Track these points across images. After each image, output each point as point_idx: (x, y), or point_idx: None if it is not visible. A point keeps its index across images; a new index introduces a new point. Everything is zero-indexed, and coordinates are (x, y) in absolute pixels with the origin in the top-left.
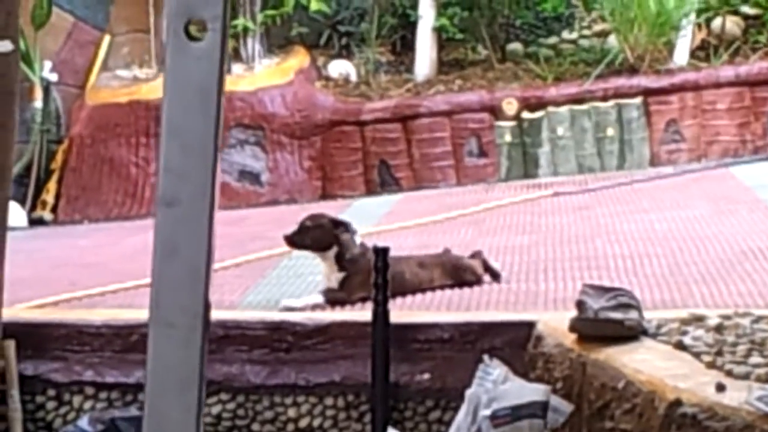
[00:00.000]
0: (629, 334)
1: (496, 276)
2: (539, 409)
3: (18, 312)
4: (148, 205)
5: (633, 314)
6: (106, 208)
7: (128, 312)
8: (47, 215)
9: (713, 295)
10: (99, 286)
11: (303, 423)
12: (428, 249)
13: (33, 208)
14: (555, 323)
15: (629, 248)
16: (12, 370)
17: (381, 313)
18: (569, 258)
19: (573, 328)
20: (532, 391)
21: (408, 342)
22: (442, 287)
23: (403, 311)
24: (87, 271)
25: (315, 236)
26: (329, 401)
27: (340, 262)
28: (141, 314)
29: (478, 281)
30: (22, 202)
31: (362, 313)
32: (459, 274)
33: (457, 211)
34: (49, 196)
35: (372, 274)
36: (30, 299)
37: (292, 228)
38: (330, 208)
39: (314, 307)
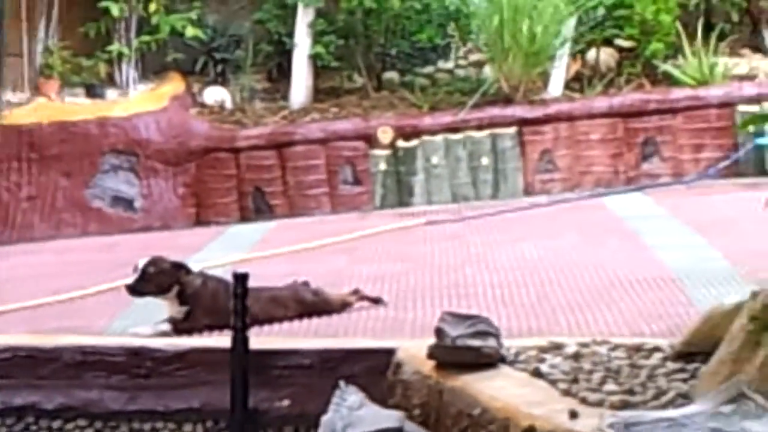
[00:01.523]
0: (487, 361)
1: (377, 302)
2: None
3: None
4: (18, 231)
5: (491, 342)
6: None
7: None
8: None
9: (579, 323)
10: None
11: None
12: (299, 276)
13: None
14: (415, 350)
15: (499, 276)
16: None
17: (240, 339)
18: (439, 286)
19: (431, 355)
20: (387, 418)
21: (268, 368)
22: (295, 318)
23: (262, 337)
24: None
25: (158, 282)
26: (188, 427)
27: (181, 298)
28: None
29: (339, 311)
30: None
31: (222, 339)
32: (317, 308)
33: (329, 238)
34: None
35: (215, 301)
36: None
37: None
38: (203, 235)
39: (162, 335)
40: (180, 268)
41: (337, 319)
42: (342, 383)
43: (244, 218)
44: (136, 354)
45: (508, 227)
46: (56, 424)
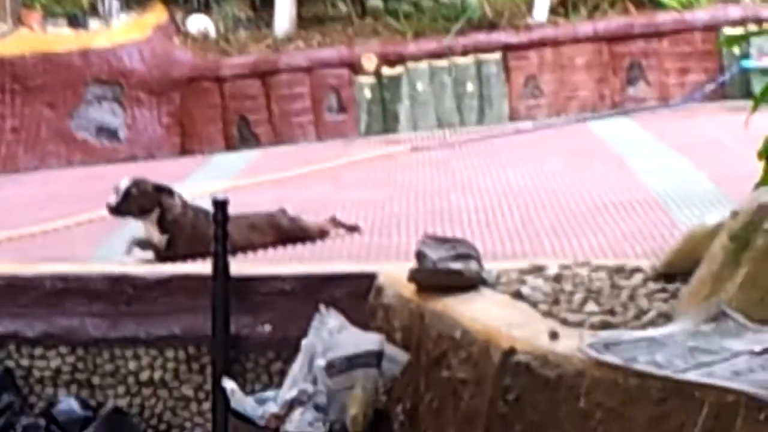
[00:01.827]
0: (467, 284)
1: (354, 229)
2: (374, 359)
3: None
4: (3, 162)
5: (472, 264)
6: None
7: None
8: None
9: (563, 246)
10: None
11: (144, 376)
12: (284, 203)
13: None
14: (396, 274)
15: (483, 201)
16: None
17: (221, 265)
18: (423, 212)
19: (412, 278)
20: (367, 341)
21: (249, 294)
22: (272, 245)
23: (244, 263)
24: None
25: (140, 203)
26: (170, 354)
27: (162, 224)
28: None
29: (316, 239)
30: None
31: (203, 266)
32: (294, 234)
33: (314, 166)
34: None
35: (195, 230)
36: None
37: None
38: (188, 164)
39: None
40: (162, 190)
41: (319, 245)
42: (322, 307)
43: (229, 147)
44: (117, 281)
45: (494, 153)
46: (38, 351)
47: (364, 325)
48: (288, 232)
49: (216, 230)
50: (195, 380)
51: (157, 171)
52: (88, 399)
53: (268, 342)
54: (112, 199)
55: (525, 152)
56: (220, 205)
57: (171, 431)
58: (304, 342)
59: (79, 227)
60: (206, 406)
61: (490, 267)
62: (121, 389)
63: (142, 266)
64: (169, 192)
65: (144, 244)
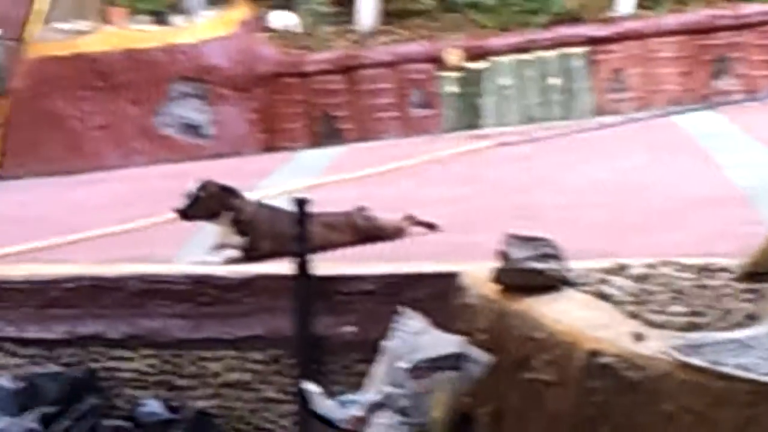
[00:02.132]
0: (551, 284)
1: (431, 227)
2: (456, 361)
3: None
4: (89, 159)
5: (555, 264)
6: (49, 162)
7: (49, 267)
8: None
9: (648, 244)
10: (30, 242)
11: (227, 377)
12: (367, 200)
13: None
14: (479, 274)
15: (567, 198)
16: None
17: (303, 265)
18: (507, 208)
19: (495, 278)
20: (449, 343)
21: (331, 294)
22: (351, 245)
23: (326, 263)
24: (25, 227)
25: (208, 206)
26: (253, 355)
27: (238, 225)
28: (61, 269)
29: (394, 239)
30: None
31: (285, 266)
32: (371, 233)
33: (398, 162)
34: None
35: (274, 227)
36: None
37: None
38: (272, 161)
39: (232, 261)
40: (229, 191)
41: (402, 244)
42: (403, 309)
43: (313, 143)
44: (200, 282)
45: (578, 148)
46: (121, 353)
47: (447, 326)
48: (365, 232)
49: (297, 230)
50: (278, 382)
51: (242, 168)
52: (172, 401)
53: (351, 343)
54: (181, 203)
55: (610, 147)
56: (301, 205)
57: None
58: (386, 344)
59: (162, 227)
60: (290, 407)
61: (574, 266)
62: (204, 391)
63: (224, 267)
64: (237, 194)
65: (223, 247)
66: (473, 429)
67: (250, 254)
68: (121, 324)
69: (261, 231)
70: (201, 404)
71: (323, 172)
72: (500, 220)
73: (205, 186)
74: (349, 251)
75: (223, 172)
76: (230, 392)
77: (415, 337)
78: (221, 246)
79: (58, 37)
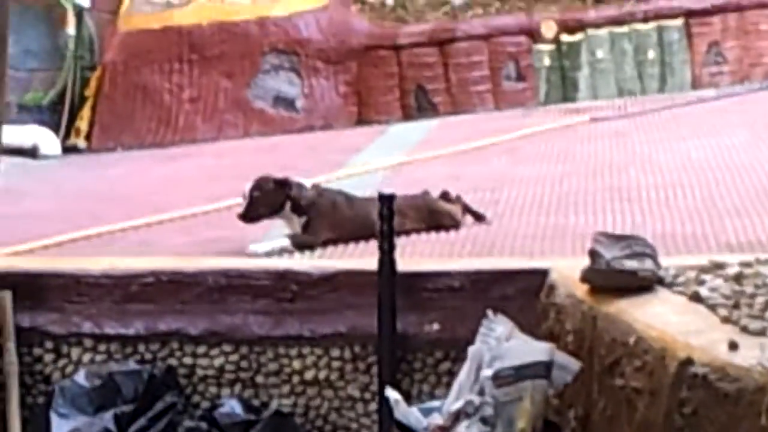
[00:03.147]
0: (642, 284)
1: (479, 218)
2: (543, 370)
3: (14, 262)
4: (181, 132)
5: (648, 263)
6: (140, 135)
7: (127, 261)
8: (81, 143)
9: (746, 228)
10: (121, 220)
11: (308, 375)
12: (459, 179)
13: (67, 135)
14: (568, 272)
15: (663, 178)
16: (8, 322)
17: (387, 261)
18: (601, 189)
19: (584, 278)
20: (537, 351)
21: (416, 291)
22: (415, 232)
23: (410, 258)
24: (112, 204)
25: (266, 203)
26: (335, 353)
27: (298, 210)
28: (140, 263)
29: (456, 226)
30: (56, 130)
31: (368, 261)
32: (435, 218)
33: (492, 138)
34: (83, 124)
35: (335, 212)
36: (47, 236)
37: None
38: (365, 135)
39: (281, 251)
40: (284, 184)
41: (495, 227)
42: (490, 313)
43: (406, 116)
44: (281, 277)
45: (675, 124)
46: (201, 349)
47: (536, 325)
48: (429, 217)
49: (381, 226)
50: (361, 380)
51: (334, 142)
52: (252, 399)
53: (435, 341)
54: (241, 207)
55: (707, 123)
56: (386, 200)
57: None
58: (471, 349)
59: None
60: (372, 406)
61: (668, 264)
62: (285, 389)
63: (306, 262)
64: (292, 185)
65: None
66: None
67: (302, 239)
68: (201, 320)
69: (321, 214)
70: (281, 402)
71: (415, 147)
72: (594, 201)
73: (260, 184)
74: (437, 246)
75: (315, 146)
76: (311, 390)
77: (501, 342)
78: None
79: (150, 10)
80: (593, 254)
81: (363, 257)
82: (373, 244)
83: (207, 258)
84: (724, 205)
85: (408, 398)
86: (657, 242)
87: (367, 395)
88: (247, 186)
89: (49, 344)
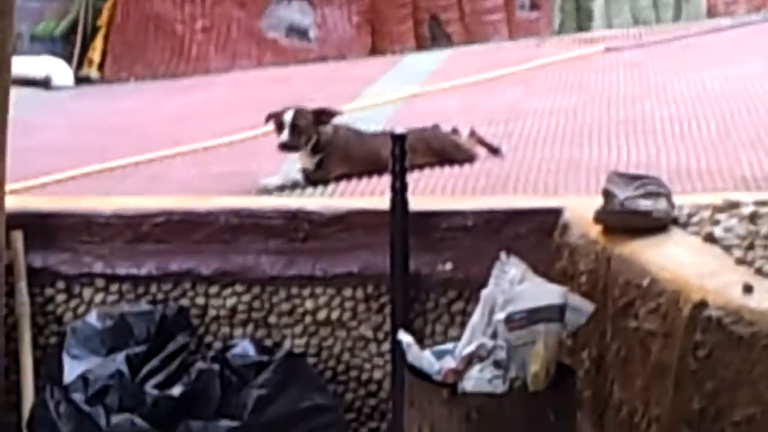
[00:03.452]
0: (657, 225)
1: (495, 151)
2: (556, 313)
3: (25, 201)
4: (194, 63)
5: (662, 203)
6: (152, 65)
7: (139, 200)
8: (94, 73)
9: (762, 162)
10: (133, 154)
11: (321, 315)
12: (472, 111)
13: (80, 66)
14: (582, 211)
15: (678, 109)
16: (20, 262)
17: (399, 201)
18: (615, 121)
19: (598, 219)
20: (550, 293)
21: (429, 230)
22: (425, 166)
23: (423, 196)
24: (124, 138)
25: (307, 134)
26: (348, 293)
27: (315, 148)
28: (152, 202)
29: (469, 160)
30: (69, 60)
31: (381, 200)
32: (446, 152)
33: (504, 69)
34: (95, 54)
35: (347, 149)
36: (60, 170)
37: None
38: (378, 65)
39: (293, 185)
40: (320, 115)
41: (509, 161)
42: (503, 254)
43: (419, 46)
44: (294, 217)
45: (690, 53)
46: (213, 289)
47: (549, 264)
48: (440, 151)
49: (393, 165)
50: (374, 320)
51: (347, 73)
52: (264, 339)
53: (449, 281)
54: (284, 136)
55: (723, 53)
56: (399, 140)
57: (349, 372)
58: (484, 292)
59: (265, 138)
60: (385, 347)
61: (681, 202)
62: (297, 329)
63: (318, 201)
64: (330, 114)
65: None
66: (573, 382)
67: (315, 176)
68: (213, 260)
69: (334, 151)
70: (294, 343)
71: (429, 77)
72: (609, 134)
73: (303, 113)
74: (451, 180)
75: (328, 77)
76: (324, 330)
77: (514, 285)
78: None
79: None
80: (607, 194)
81: (375, 196)
82: (385, 181)
83: (219, 197)
84: (739, 138)
85: (421, 338)
86: (671, 177)
87: (380, 335)
88: (287, 115)
89: (60, 284)
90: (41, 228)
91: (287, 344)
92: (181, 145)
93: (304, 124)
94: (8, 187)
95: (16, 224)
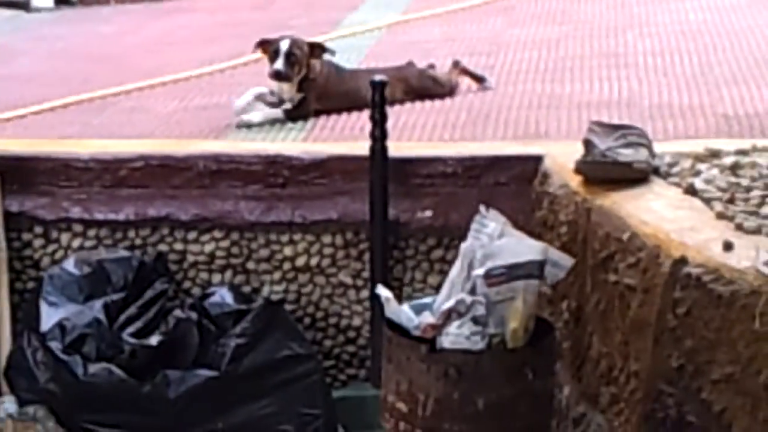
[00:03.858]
0: (638, 176)
1: (480, 80)
2: (536, 269)
3: (3, 145)
4: None
5: (643, 153)
6: None
7: (116, 143)
8: None
9: (744, 99)
10: (112, 85)
11: (300, 261)
12: (452, 41)
13: None
14: (563, 159)
15: (660, 43)
16: None
17: (379, 149)
18: (597, 54)
19: (578, 170)
20: (529, 249)
21: (408, 177)
22: (403, 102)
23: (402, 143)
24: (104, 66)
25: (299, 65)
26: (327, 239)
27: (301, 84)
28: (129, 146)
29: (449, 94)
30: None
31: (360, 145)
32: (425, 87)
33: None
34: None
35: (327, 85)
36: (39, 100)
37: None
38: None
39: (273, 121)
40: (314, 48)
41: (490, 95)
42: (482, 208)
43: None
44: (272, 162)
45: None
46: (191, 235)
47: (530, 212)
48: (418, 88)
49: (373, 113)
50: (353, 267)
51: (330, 0)
52: (243, 285)
53: (428, 228)
54: (279, 64)
55: None
56: (379, 87)
57: (328, 319)
58: (463, 246)
59: (244, 67)
60: (364, 293)
61: (662, 150)
62: (276, 275)
63: (296, 146)
64: (322, 49)
65: (275, 103)
66: (553, 338)
67: (294, 113)
68: (191, 205)
69: (314, 88)
70: (272, 289)
71: (411, 5)
72: (591, 68)
73: (299, 44)
74: (432, 116)
75: (310, 4)
76: (303, 277)
77: (494, 240)
78: (267, 100)
79: None
80: (587, 144)
81: (355, 140)
82: (364, 119)
83: (198, 141)
84: (722, 73)
85: (401, 285)
86: (653, 113)
87: (359, 282)
88: (283, 44)
89: (38, 229)
90: (18, 172)
91: (266, 291)
92: (162, 74)
93: (299, 54)
94: None
95: None
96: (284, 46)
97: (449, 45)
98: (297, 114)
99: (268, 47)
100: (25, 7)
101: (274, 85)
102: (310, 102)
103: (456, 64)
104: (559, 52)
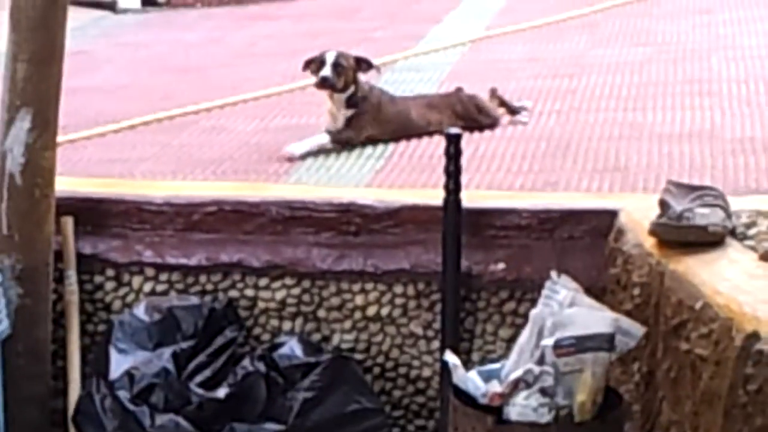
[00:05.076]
0: (712, 240)
1: (514, 113)
2: (606, 342)
3: (76, 185)
4: None
5: (718, 215)
6: None
7: (190, 186)
8: None
9: None
10: (193, 100)
11: (371, 311)
12: (537, 62)
13: None
14: (638, 216)
15: (746, 69)
16: (69, 249)
17: (452, 201)
18: (681, 80)
19: (652, 232)
20: (600, 321)
21: (482, 228)
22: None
23: (477, 191)
24: (185, 79)
25: (346, 77)
26: (398, 289)
27: (351, 100)
28: (202, 189)
29: (494, 124)
30: None
31: (434, 193)
32: (472, 116)
33: (571, 12)
34: None
35: (379, 110)
36: (124, 116)
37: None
38: (444, 3)
39: (319, 148)
40: (360, 62)
41: (571, 123)
42: (553, 274)
43: None
44: (346, 210)
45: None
46: (263, 282)
47: (603, 267)
48: (463, 115)
49: (448, 165)
50: (424, 317)
51: (414, 9)
52: (313, 333)
53: (501, 280)
54: (326, 71)
55: None
56: (453, 139)
57: (398, 369)
58: (533, 312)
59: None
60: (435, 344)
61: (739, 207)
62: (347, 324)
63: (370, 193)
64: (369, 64)
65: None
66: (621, 410)
67: (342, 135)
68: (263, 251)
69: (367, 109)
70: (342, 338)
71: (495, 18)
72: (674, 95)
73: (345, 56)
74: (509, 160)
75: (395, 13)
76: (373, 326)
77: (564, 308)
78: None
79: None
80: (663, 205)
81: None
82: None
83: (270, 186)
84: None
85: (472, 337)
86: (734, 147)
87: (430, 333)
88: (330, 55)
89: (110, 272)
90: (92, 214)
91: (336, 339)
92: (244, 90)
93: (345, 65)
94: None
95: (66, 210)
96: (330, 57)
97: (532, 65)
98: (344, 137)
99: (314, 64)
100: (112, 7)
101: (328, 120)
102: (360, 123)
103: (493, 93)
104: (642, 77)
